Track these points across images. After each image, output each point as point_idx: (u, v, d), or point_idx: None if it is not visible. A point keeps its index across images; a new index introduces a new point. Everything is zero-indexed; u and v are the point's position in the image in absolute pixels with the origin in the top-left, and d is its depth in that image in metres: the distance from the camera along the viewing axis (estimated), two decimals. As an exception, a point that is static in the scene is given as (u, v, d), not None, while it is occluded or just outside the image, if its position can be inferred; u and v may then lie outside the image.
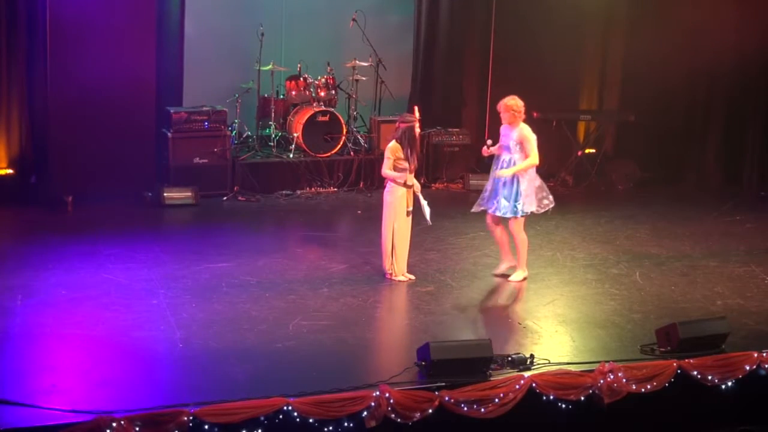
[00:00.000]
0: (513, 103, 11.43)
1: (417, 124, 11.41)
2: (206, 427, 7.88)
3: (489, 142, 11.69)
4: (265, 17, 16.09)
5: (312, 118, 15.63)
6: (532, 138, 11.36)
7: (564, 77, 16.90)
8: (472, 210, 11.83)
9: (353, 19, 16.08)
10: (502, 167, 11.38)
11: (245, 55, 16.02)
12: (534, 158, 11.30)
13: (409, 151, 11.20)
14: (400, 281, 11.31)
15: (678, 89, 16.95)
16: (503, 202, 11.34)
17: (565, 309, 10.82)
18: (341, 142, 15.80)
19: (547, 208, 11.52)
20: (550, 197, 11.53)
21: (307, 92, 16.06)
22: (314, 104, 15.89)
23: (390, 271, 11.36)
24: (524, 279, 11.58)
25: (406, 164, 11.20)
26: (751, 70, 16.63)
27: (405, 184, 11.22)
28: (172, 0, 15.25)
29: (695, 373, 9.23)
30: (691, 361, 9.28)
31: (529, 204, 11.36)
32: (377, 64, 16.37)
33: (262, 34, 15.63)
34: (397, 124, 11.54)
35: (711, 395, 9.34)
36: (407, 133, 11.28)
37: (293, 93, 16.09)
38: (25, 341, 9.37)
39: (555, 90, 16.75)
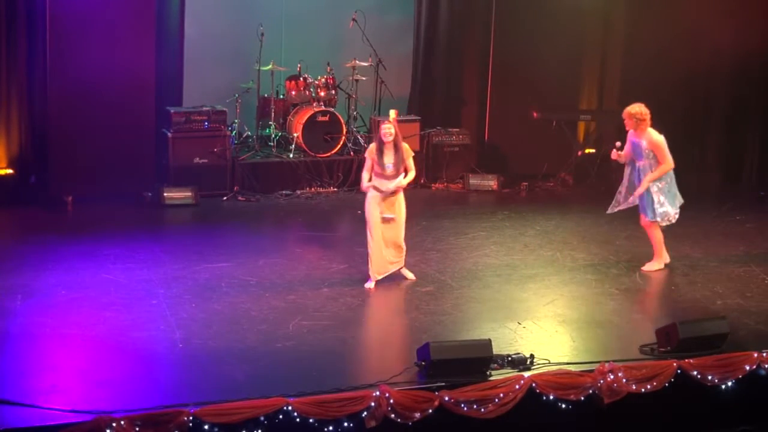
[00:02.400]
0: (637, 110, 11.66)
1: (386, 125, 11.10)
2: (206, 427, 7.88)
3: (618, 144, 11.87)
4: (265, 17, 16.09)
5: (312, 118, 15.64)
6: (663, 143, 11.65)
7: (564, 77, 16.89)
8: (608, 212, 12.29)
9: (353, 19, 16.09)
10: (639, 173, 11.70)
11: (245, 55, 16.03)
12: (669, 163, 11.69)
13: (379, 154, 11.07)
14: (367, 288, 11.16)
15: (678, 89, 16.94)
16: (651, 208, 11.73)
17: (565, 309, 10.82)
18: (341, 142, 15.81)
19: (681, 201, 11.89)
20: (680, 202, 11.89)
21: (307, 92, 16.06)
22: (314, 104, 15.89)
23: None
24: (657, 269, 11.93)
25: (380, 169, 11.09)
26: (750, 70, 16.64)
27: (375, 188, 11.13)
28: (172, 0, 15.25)
29: (695, 373, 9.23)
30: (691, 361, 9.27)
31: (670, 204, 11.74)
32: (377, 64, 16.37)
33: (262, 34, 15.63)
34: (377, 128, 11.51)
35: (711, 395, 9.33)
36: (376, 135, 11.26)
37: (293, 93, 16.09)
38: (25, 341, 9.38)
39: (555, 90, 16.75)
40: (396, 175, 11.10)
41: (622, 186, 12.04)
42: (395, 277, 11.57)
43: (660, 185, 11.71)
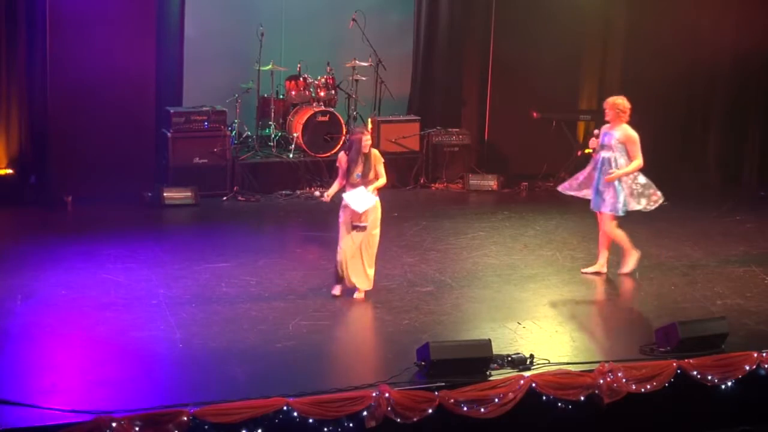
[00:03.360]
0: (620, 102, 11.62)
1: (366, 137, 10.91)
2: (206, 427, 7.88)
3: (596, 132, 11.77)
4: (265, 17, 16.09)
5: (312, 118, 15.64)
6: (637, 139, 11.53)
7: (564, 77, 16.89)
8: (560, 188, 12.16)
9: (353, 20, 16.09)
10: (603, 165, 11.51)
11: (245, 55, 16.03)
12: (640, 161, 11.48)
13: (352, 163, 10.78)
14: (335, 294, 10.88)
15: (677, 89, 16.95)
16: (608, 201, 11.51)
17: (565, 309, 10.82)
18: (341, 142, 15.80)
19: (657, 204, 11.67)
20: (658, 192, 11.67)
21: (307, 92, 16.06)
22: (314, 104, 15.89)
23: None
24: (638, 259, 11.77)
25: (351, 178, 10.79)
26: (750, 69, 16.65)
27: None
28: (173, 0, 15.25)
29: (695, 373, 9.23)
30: (691, 361, 9.27)
31: (634, 202, 11.52)
32: (377, 64, 16.37)
33: (262, 34, 15.63)
34: (349, 135, 11.20)
35: (711, 395, 9.33)
36: (354, 146, 10.82)
37: (293, 93, 16.09)
38: (25, 341, 9.38)
39: (555, 90, 16.75)
40: (365, 183, 10.85)
41: (582, 173, 11.89)
42: (395, 277, 11.57)
43: (633, 184, 11.54)
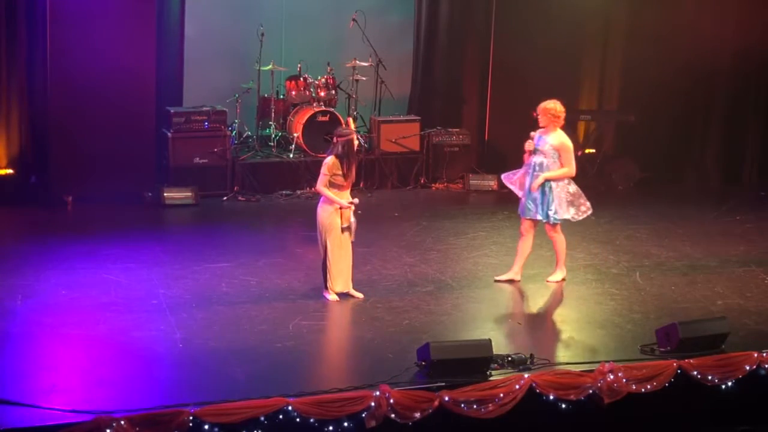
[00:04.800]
0: (552, 106, 11.38)
1: (354, 137, 10.88)
2: (206, 427, 7.88)
3: (532, 134, 11.49)
4: (265, 17, 16.10)
5: (312, 118, 15.64)
6: (570, 146, 11.31)
7: (564, 77, 16.86)
8: (503, 176, 11.78)
9: (353, 20, 16.09)
10: (534, 170, 11.27)
11: (245, 55, 16.04)
12: (572, 168, 11.25)
13: (347, 166, 10.64)
14: (329, 299, 10.77)
15: (678, 89, 16.94)
16: (529, 205, 11.27)
17: (565, 309, 10.83)
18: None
19: (586, 214, 11.42)
20: (588, 203, 11.42)
21: (307, 92, 16.06)
22: (314, 104, 15.89)
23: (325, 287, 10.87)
24: (563, 280, 11.52)
25: (342, 180, 10.67)
26: (750, 69, 16.66)
27: (339, 208, 10.69)
28: (173, 0, 15.25)
29: (695, 373, 9.22)
30: (691, 361, 9.27)
31: (563, 211, 11.25)
32: (377, 65, 16.38)
33: (263, 34, 15.63)
34: (334, 139, 10.88)
35: (711, 395, 9.33)
36: (346, 147, 10.65)
37: (293, 93, 16.09)
38: (25, 341, 9.38)
39: (554, 90, 16.61)
40: (351, 186, 10.85)
41: (519, 171, 11.51)
42: (395, 277, 11.58)
43: (562, 192, 11.24)
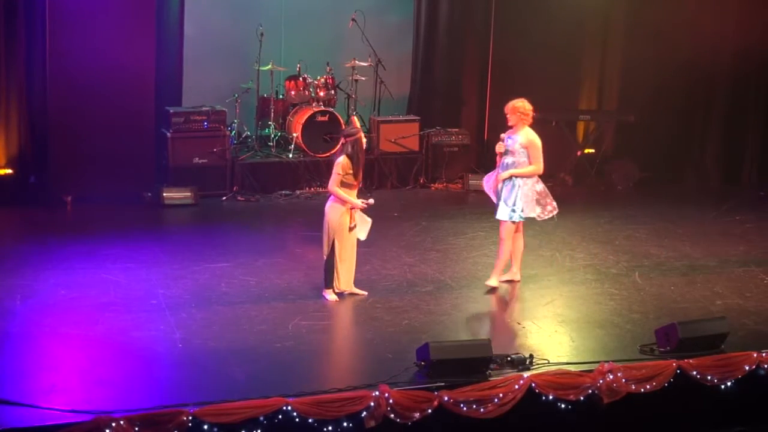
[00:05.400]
0: (520, 105, 11.20)
1: (362, 135, 10.90)
2: (205, 427, 7.88)
3: (502, 136, 11.36)
4: (265, 17, 16.10)
5: (311, 118, 15.64)
6: (539, 144, 11.14)
7: (563, 77, 16.89)
8: (484, 180, 11.69)
9: (353, 20, 16.09)
10: (504, 168, 11.19)
11: (244, 55, 16.03)
12: (539, 166, 11.11)
13: (357, 165, 10.68)
14: (329, 299, 10.75)
15: (677, 89, 16.96)
16: (501, 205, 11.17)
17: (564, 309, 10.82)
18: (340, 143, 15.77)
19: (551, 214, 11.29)
20: (554, 203, 11.29)
21: (307, 92, 16.06)
22: (313, 104, 15.89)
23: (324, 285, 10.86)
24: (498, 286, 11.35)
25: (353, 180, 10.70)
26: (750, 69, 16.65)
27: (350, 208, 10.70)
28: (172, 0, 15.25)
29: (695, 373, 9.23)
30: (691, 361, 9.27)
31: (529, 209, 11.12)
32: (377, 65, 16.38)
33: (262, 34, 15.63)
34: (342, 139, 10.94)
35: (710, 395, 9.33)
36: (355, 146, 10.70)
37: (292, 93, 16.10)
38: (25, 341, 9.38)
39: (554, 90, 16.74)
40: (360, 183, 10.87)
41: (493, 174, 11.40)
42: (395, 277, 11.58)
43: (529, 191, 11.11)
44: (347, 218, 10.72)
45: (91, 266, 11.53)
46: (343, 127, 15.74)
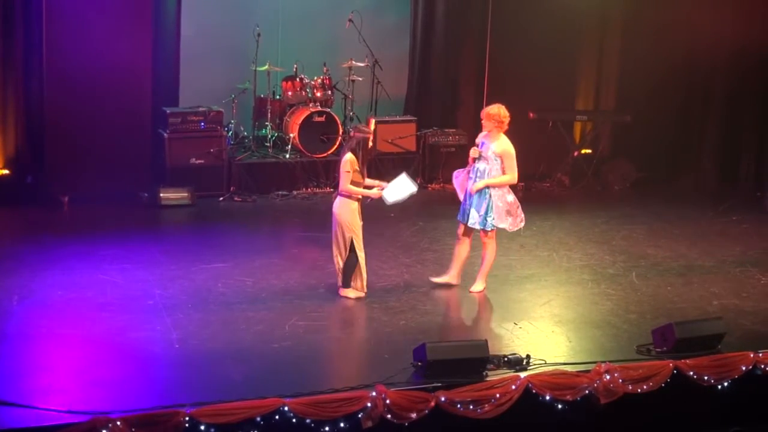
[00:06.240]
0: (496, 112, 10.94)
1: (371, 137, 10.93)
2: (202, 427, 7.88)
3: (477, 140, 11.18)
4: (262, 17, 16.07)
5: (308, 119, 15.63)
6: (513, 153, 10.92)
7: (560, 77, 16.91)
8: (454, 174, 11.42)
9: (349, 20, 16.08)
10: (477, 176, 11.00)
11: (241, 56, 16.01)
12: (514, 176, 10.94)
13: (361, 162, 10.69)
14: (353, 297, 10.82)
15: (674, 89, 16.97)
16: (473, 213, 11.03)
17: (561, 309, 10.83)
18: (337, 143, 15.79)
19: (519, 226, 11.13)
20: (523, 215, 11.11)
21: (304, 93, 16.05)
22: (310, 105, 15.88)
23: (344, 286, 10.88)
24: (482, 290, 11.28)
25: (360, 178, 10.71)
26: (747, 70, 16.64)
27: (359, 199, 10.73)
28: (169, 0, 15.25)
29: (691, 373, 9.24)
30: (688, 361, 9.28)
31: (500, 219, 10.97)
32: (373, 65, 16.37)
33: (259, 35, 15.62)
34: (352, 133, 11.02)
35: (707, 395, 9.34)
36: (362, 144, 10.72)
37: (289, 93, 16.09)
38: (22, 342, 9.38)
39: (551, 90, 16.77)
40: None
41: (463, 172, 11.23)
42: (392, 278, 11.58)
43: (500, 201, 10.95)
44: (358, 216, 10.76)
45: (88, 266, 11.52)
46: (340, 127, 15.76)
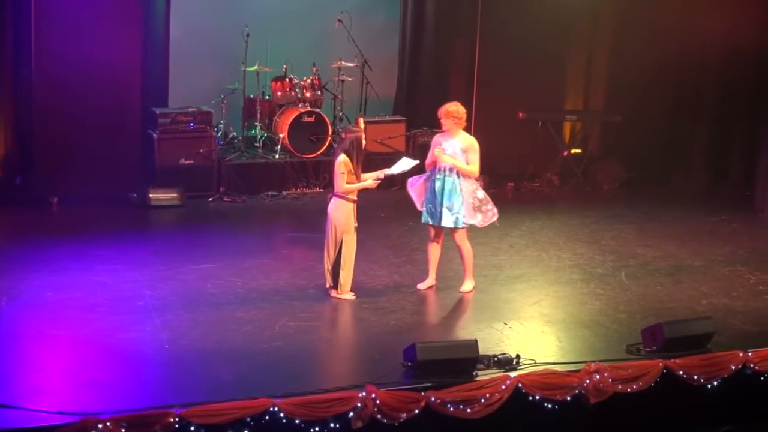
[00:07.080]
0: (455, 109, 10.95)
1: (363, 135, 10.94)
2: (192, 428, 7.87)
3: (439, 141, 11.09)
4: (251, 18, 16.06)
5: (298, 119, 15.63)
6: (477, 147, 10.96)
7: (550, 77, 16.92)
8: (408, 182, 11.40)
9: (339, 20, 16.08)
10: (445, 175, 10.93)
11: (231, 56, 16.00)
12: (476, 168, 10.95)
13: (355, 162, 10.70)
14: (345, 299, 10.81)
15: (664, 89, 16.99)
16: (445, 212, 11.00)
17: (551, 309, 10.83)
18: (327, 143, 15.80)
19: (492, 220, 11.13)
20: (495, 209, 11.09)
21: (293, 93, 16.05)
22: (300, 105, 15.89)
23: (333, 287, 10.87)
24: (473, 289, 11.31)
25: (354, 179, 10.72)
26: (737, 70, 16.67)
27: (355, 201, 10.74)
28: (158, 0, 15.23)
29: (681, 372, 9.24)
30: (677, 360, 9.29)
31: (469, 216, 10.97)
32: (363, 65, 16.38)
33: (248, 35, 15.61)
34: (343, 135, 11.06)
35: (697, 395, 9.35)
36: (354, 144, 10.73)
37: (279, 94, 16.09)
38: (11, 342, 9.36)
39: (540, 90, 16.78)
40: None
41: (421, 181, 11.22)
42: (382, 278, 11.58)
43: (469, 197, 10.93)
44: (353, 217, 10.74)
45: (78, 267, 11.50)
46: (330, 127, 15.76)
